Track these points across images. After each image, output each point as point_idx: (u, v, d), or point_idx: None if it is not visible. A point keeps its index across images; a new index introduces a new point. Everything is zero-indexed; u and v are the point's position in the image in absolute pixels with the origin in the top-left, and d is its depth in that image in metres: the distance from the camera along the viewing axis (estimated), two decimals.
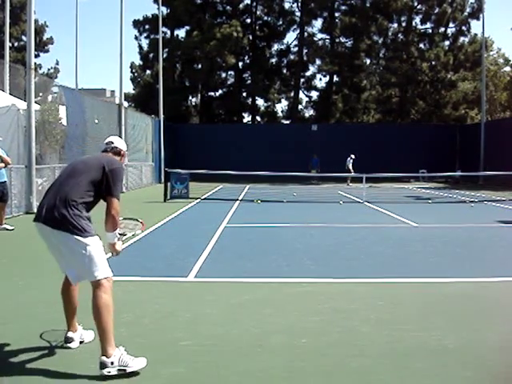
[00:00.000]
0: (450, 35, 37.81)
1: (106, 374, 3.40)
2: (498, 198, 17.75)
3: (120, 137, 20.22)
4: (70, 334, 3.94)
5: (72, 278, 3.77)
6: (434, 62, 36.45)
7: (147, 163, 25.83)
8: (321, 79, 47.22)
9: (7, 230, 9.81)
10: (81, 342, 3.99)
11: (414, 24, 37.97)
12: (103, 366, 3.41)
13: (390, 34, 37.67)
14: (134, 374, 3.45)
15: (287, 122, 41.05)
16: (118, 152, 4.08)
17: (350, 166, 26.07)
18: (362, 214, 13.36)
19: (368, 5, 36.48)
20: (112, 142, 4.11)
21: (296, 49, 38.94)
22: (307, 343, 4.06)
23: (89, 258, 3.57)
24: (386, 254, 7.82)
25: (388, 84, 38.22)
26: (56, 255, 3.79)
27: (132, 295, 5.41)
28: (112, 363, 3.41)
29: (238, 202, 16.31)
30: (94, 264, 3.57)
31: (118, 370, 3.42)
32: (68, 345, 3.92)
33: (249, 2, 38.23)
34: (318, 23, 58.02)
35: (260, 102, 41.17)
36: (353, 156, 26.24)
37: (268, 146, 30.58)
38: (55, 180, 3.83)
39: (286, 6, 38.51)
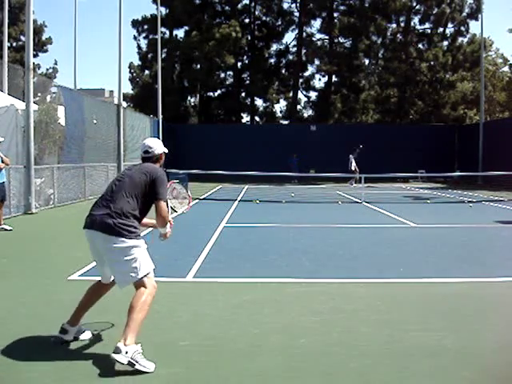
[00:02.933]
0: (448, 35, 37.84)
1: (117, 359, 3.47)
2: (497, 198, 17.77)
3: (118, 137, 20.37)
4: (67, 327, 4.04)
5: (118, 280, 3.98)
6: (432, 63, 36.46)
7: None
8: (319, 79, 47.43)
9: (6, 230, 9.80)
10: (74, 339, 4.05)
11: (412, 24, 38.00)
12: (117, 350, 3.49)
13: (388, 34, 37.68)
14: (139, 372, 3.49)
15: (286, 122, 41.05)
16: (157, 159, 4.24)
17: (354, 166, 25.82)
18: (360, 214, 13.36)
19: (367, 5, 36.46)
20: (148, 151, 4.22)
21: (295, 49, 38.95)
22: (306, 343, 4.06)
23: (134, 257, 3.83)
24: (385, 254, 7.82)
25: (387, 84, 38.23)
26: (101, 260, 3.99)
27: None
28: (126, 352, 3.50)
29: (236, 202, 16.30)
30: (138, 263, 3.84)
31: (129, 361, 3.49)
32: (61, 335, 4.01)
33: (247, 2, 38.24)
34: (316, 23, 57.91)
35: (259, 102, 41.22)
36: (351, 156, 26.10)
37: (267, 147, 30.57)
38: (105, 192, 4.06)
39: (285, 6, 38.58)
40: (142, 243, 3.90)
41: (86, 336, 4.10)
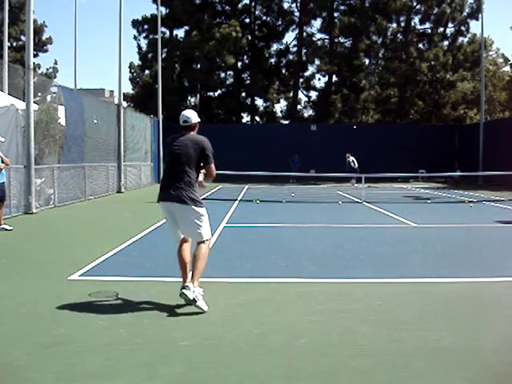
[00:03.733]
0: (449, 35, 37.83)
1: (186, 293, 4.55)
2: (497, 198, 17.76)
3: (119, 137, 20.37)
4: (186, 284, 4.78)
5: (190, 237, 5.06)
6: (433, 62, 36.43)
7: (146, 163, 25.82)
8: (320, 79, 47.32)
9: (6, 230, 9.80)
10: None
11: (413, 24, 37.99)
12: (187, 288, 4.58)
13: (389, 34, 37.65)
14: (198, 307, 4.62)
15: (286, 122, 41.04)
16: (194, 127, 5.14)
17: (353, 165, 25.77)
18: (360, 214, 13.36)
19: (367, 5, 36.45)
20: (187, 121, 5.09)
21: (295, 49, 38.92)
22: (307, 343, 4.06)
23: (201, 224, 4.95)
24: (385, 254, 7.82)
25: (387, 84, 38.20)
26: (174, 224, 5.08)
27: (132, 295, 5.41)
28: (193, 292, 4.57)
29: (236, 202, 16.31)
30: (204, 228, 4.96)
31: (193, 298, 4.56)
32: (184, 291, 4.68)
33: (248, 2, 38.20)
34: (317, 23, 57.87)
35: (259, 102, 41.20)
36: (348, 155, 25.98)
37: (267, 146, 30.56)
38: (169, 169, 5.03)
39: (285, 5, 38.53)
40: (205, 212, 5.01)
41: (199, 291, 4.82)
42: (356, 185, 24.39)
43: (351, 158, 25.82)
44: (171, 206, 4.94)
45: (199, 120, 5.17)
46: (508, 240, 9.28)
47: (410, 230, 10.52)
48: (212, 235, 5.11)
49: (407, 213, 12.88)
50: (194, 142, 4.97)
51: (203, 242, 4.92)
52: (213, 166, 5.07)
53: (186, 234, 5.07)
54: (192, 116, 5.10)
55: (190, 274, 4.84)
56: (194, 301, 4.57)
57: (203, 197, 16.88)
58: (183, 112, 5.16)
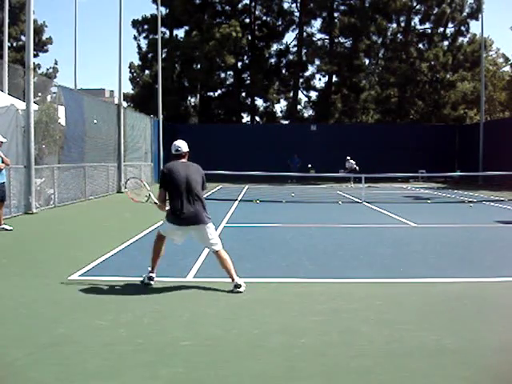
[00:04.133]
0: (449, 35, 37.83)
1: (240, 290, 5.53)
2: (497, 198, 17.77)
3: (119, 137, 20.37)
4: (152, 275, 5.79)
5: (210, 247, 5.85)
6: (433, 62, 36.44)
7: (146, 163, 25.81)
8: (320, 79, 47.35)
9: (6, 230, 9.80)
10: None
11: (413, 24, 37.99)
12: (237, 285, 5.56)
13: (389, 34, 37.66)
14: (238, 286, 5.55)
15: (286, 122, 41.04)
16: (185, 155, 5.89)
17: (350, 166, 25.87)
18: (360, 214, 13.36)
19: (367, 5, 36.45)
20: (178, 150, 5.86)
21: (295, 49, 38.92)
22: (307, 343, 4.06)
23: (216, 239, 5.80)
24: (385, 254, 7.82)
25: (387, 84, 38.21)
26: (182, 238, 5.87)
27: (132, 295, 5.41)
28: (238, 282, 5.59)
29: (236, 202, 16.31)
30: (218, 242, 5.80)
31: (240, 285, 5.58)
32: (150, 282, 5.74)
33: (248, 2, 38.21)
34: (317, 23, 57.94)
35: (259, 102, 41.20)
36: (348, 158, 26.10)
37: (267, 146, 30.57)
38: (184, 193, 5.60)
39: (285, 6, 38.55)
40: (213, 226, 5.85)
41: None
42: (353, 185, 24.49)
43: (352, 162, 25.80)
44: (188, 228, 5.69)
45: (188, 150, 5.93)
46: (508, 240, 9.28)
47: (410, 230, 10.52)
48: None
49: (407, 213, 12.88)
50: (198, 171, 5.84)
51: (220, 250, 5.77)
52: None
53: (209, 247, 5.88)
54: (183, 146, 5.86)
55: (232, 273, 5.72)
56: (239, 287, 5.59)
57: (203, 196, 16.73)
58: (175, 142, 5.87)
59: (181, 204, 5.55)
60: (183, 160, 5.82)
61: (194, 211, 5.56)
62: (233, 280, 5.59)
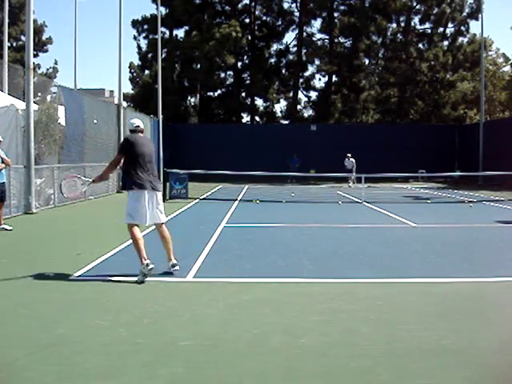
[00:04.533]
0: (448, 35, 37.85)
1: (177, 269, 6.26)
2: (497, 198, 17.77)
3: (119, 137, 20.38)
4: (147, 261, 6.00)
5: (162, 220, 6.44)
6: (432, 62, 36.45)
7: None
8: (320, 79, 47.36)
9: (6, 230, 9.80)
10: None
11: (412, 24, 38.01)
12: (175, 265, 6.30)
13: (389, 34, 37.67)
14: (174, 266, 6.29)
15: (286, 122, 41.04)
16: (141, 131, 6.66)
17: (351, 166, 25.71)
18: (360, 214, 13.36)
19: (367, 5, 36.47)
20: (139, 126, 6.65)
21: (295, 49, 38.94)
22: (307, 343, 4.05)
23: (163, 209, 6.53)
24: (385, 254, 7.82)
25: (387, 84, 38.22)
26: (146, 210, 6.22)
27: (131, 295, 5.41)
28: (174, 262, 6.33)
29: (236, 202, 16.30)
30: (163, 212, 6.52)
31: (177, 264, 6.33)
32: (173, 268, 6.31)
33: (248, 2, 38.24)
34: (317, 23, 57.89)
35: (259, 102, 41.22)
36: (349, 155, 25.85)
37: (267, 146, 30.57)
38: (145, 164, 6.31)
39: (285, 6, 38.58)
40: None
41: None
42: (351, 185, 24.45)
43: (352, 160, 25.60)
44: (150, 193, 6.26)
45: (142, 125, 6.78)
46: (508, 240, 9.28)
47: (410, 229, 10.51)
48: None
49: (407, 213, 12.88)
50: (151, 144, 6.77)
51: (165, 224, 6.49)
52: None
53: (160, 219, 6.39)
54: (140, 123, 6.73)
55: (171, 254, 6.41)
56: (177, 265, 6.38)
57: (203, 196, 16.74)
58: (132, 120, 6.78)
59: (146, 172, 6.27)
60: (141, 134, 6.59)
61: (153, 179, 6.31)
62: (170, 260, 6.31)
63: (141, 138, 6.51)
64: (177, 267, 6.25)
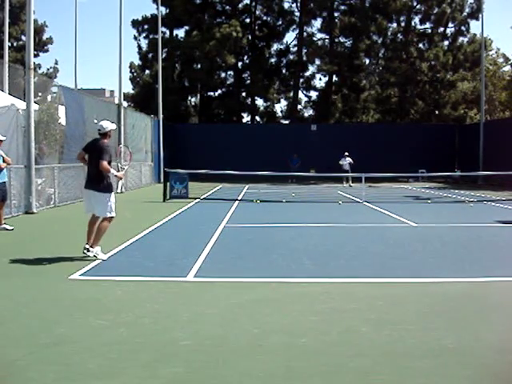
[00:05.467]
0: (449, 35, 37.80)
1: (88, 254, 6.99)
2: (498, 198, 17.76)
3: (119, 136, 20.37)
4: (87, 246, 7.04)
5: (98, 213, 7.17)
6: (433, 62, 36.41)
7: (146, 163, 25.82)
8: (320, 79, 47.26)
9: (7, 229, 9.81)
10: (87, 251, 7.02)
11: (413, 24, 37.94)
12: (87, 250, 7.00)
13: (389, 33, 37.61)
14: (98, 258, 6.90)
15: (286, 121, 41.02)
16: (106, 134, 7.22)
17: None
18: (361, 213, 13.36)
19: (367, 5, 36.43)
20: (100, 130, 7.22)
21: (295, 49, 38.90)
22: (307, 343, 4.06)
23: (106, 207, 7.14)
24: (386, 253, 7.82)
25: (387, 84, 38.19)
26: (90, 203, 7.19)
27: (132, 295, 5.41)
28: (92, 252, 7.03)
29: (237, 201, 16.30)
30: (105, 208, 7.11)
31: (94, 255, 6.99)
32: (86, 252, 6.99)
33: (248, 2, 38.18)
34: (317, 23, 57.59)
35: (259, 101, 41.15)
36: (347, 154, 25.70)
37: (267, 146, 30.56)
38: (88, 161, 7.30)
39: (286, 5, 38.48)
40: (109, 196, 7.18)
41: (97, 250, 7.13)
42: (345, 184, 24.45)
43: (348, 160, 25.48)
44: (88, 192, 7.24)
45: (112, 128, 7.31)
46: (508, 240, 9.28)
47: (410, 229, 10.52)
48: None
49: (407, 213, 12.88)
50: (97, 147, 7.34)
51: (107, 218, 7.16)
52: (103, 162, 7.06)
53: (97, 213, 7.20)
54: (106, 125, 7.20)
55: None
56: (95, 257, 7.00)
57: (204, 196, 16.82)
58: (101, 122, 7.33)
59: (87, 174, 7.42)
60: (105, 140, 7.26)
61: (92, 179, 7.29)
62: (92, 245, 7.03)
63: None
64: (89, 253, 7.00)
